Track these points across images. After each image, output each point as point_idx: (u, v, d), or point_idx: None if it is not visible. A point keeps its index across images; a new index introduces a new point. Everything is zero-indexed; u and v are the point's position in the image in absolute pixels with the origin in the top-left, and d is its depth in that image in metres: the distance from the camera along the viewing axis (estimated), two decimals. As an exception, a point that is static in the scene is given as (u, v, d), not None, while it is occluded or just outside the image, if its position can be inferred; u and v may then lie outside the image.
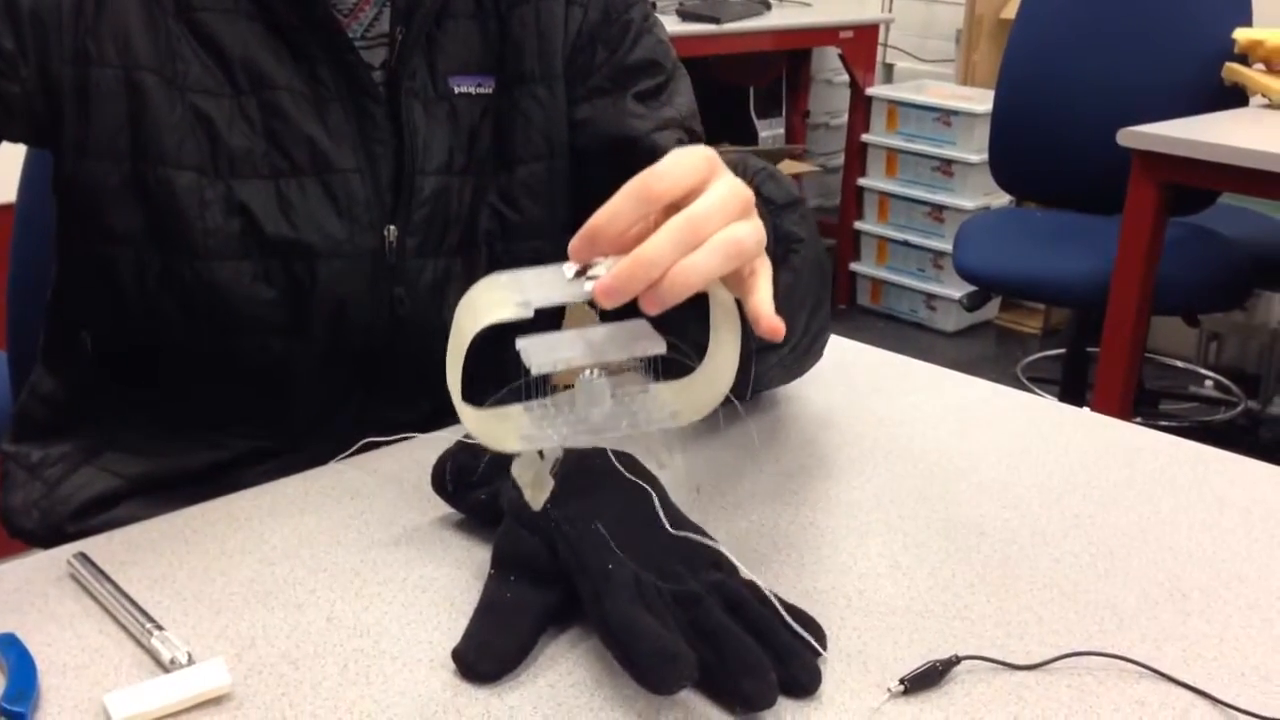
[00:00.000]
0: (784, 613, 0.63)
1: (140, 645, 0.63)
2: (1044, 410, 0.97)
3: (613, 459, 0.66)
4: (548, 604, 0.65)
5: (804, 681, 0.61)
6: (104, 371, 0.95)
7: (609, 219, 0.59)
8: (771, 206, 0.78)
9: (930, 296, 3.87)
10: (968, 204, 3.69)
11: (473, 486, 0.73)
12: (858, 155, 3.94)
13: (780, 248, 0.78)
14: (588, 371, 0.64)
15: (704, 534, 0.68)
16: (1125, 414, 2.37)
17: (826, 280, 0.86)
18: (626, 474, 0.66)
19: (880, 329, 3.88)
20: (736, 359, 0.66)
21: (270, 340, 0.89)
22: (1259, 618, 0.70)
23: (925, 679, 0.62)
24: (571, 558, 0.64)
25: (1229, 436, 3.12)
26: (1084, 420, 0.96)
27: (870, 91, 3.88)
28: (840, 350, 1.07)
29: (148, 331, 0.90)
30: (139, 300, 0.88)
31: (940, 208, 3.78)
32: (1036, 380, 3.34)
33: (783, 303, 0.65)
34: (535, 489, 0.66)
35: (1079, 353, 2.91)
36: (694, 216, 0.58)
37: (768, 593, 0.64)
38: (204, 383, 0.92)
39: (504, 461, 0.68)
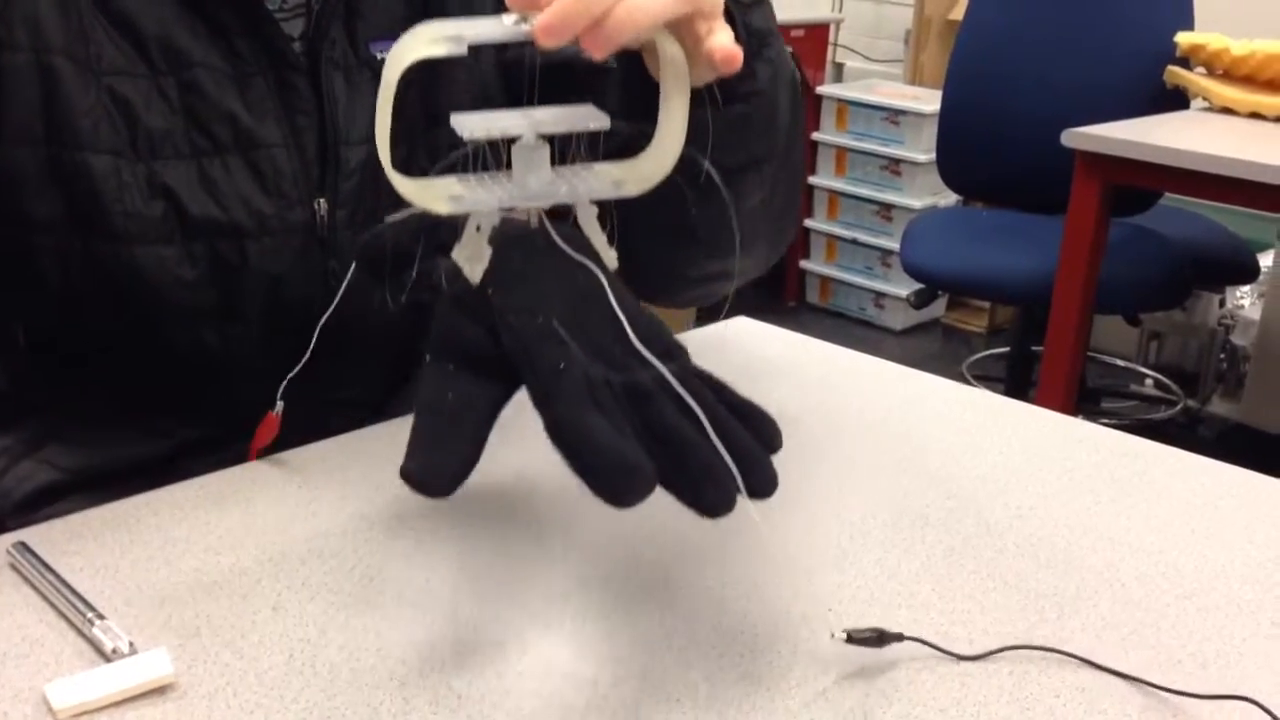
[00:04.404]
0: (739, 398, 0.59)
1: (82, 635, 0.63)
2: (989, 404, 0.99)
3: (555, 236, 0.61)
4: (493, 398, 0.61)
5: (758, 487, 0.57)
6: (41, 363, 0.93)
7: None
8: (738, 6, 0.74)
9: (878, 295, 3.91)
10: (915, 203, 3.72)
11: (404, 268, 0.69)
12: (808, 153, 3.97)
13: (752, 43, 0.73)
14: (527, 135, 0.60)
15: (655, 319, 0.63)
16: (1068, 411, 2.39)
17: (799, 100, 0.79)
18: (572, 252, 0.61)
19: (828, 326, 3.91)
20: (685, 127, 0.62)
21: (203, 326, 0.88)
22: (1195, 606, 0.71)
23: (868, 639, 0.64)
24: (519, 352, 0.59)
25: (1168, 434, 3.17)
26: (1028, 414, 0.97)
27: (820, 90, 3.90)
28: (788, 344, 1.08)
29: (78, 322, 0.88)
30: (65, 290, 0.86)
31: (889, 206, 3.81)
32: (981, 378, 3.38)
33: (764, 93, 0.59)
34: (471, 262, 0.62)
35: (1023, 351, 2.94)
36: None
37: (721, 380, 0.61)
38: (142, 372, 0.90)
39: (439, 242, 0.64)
